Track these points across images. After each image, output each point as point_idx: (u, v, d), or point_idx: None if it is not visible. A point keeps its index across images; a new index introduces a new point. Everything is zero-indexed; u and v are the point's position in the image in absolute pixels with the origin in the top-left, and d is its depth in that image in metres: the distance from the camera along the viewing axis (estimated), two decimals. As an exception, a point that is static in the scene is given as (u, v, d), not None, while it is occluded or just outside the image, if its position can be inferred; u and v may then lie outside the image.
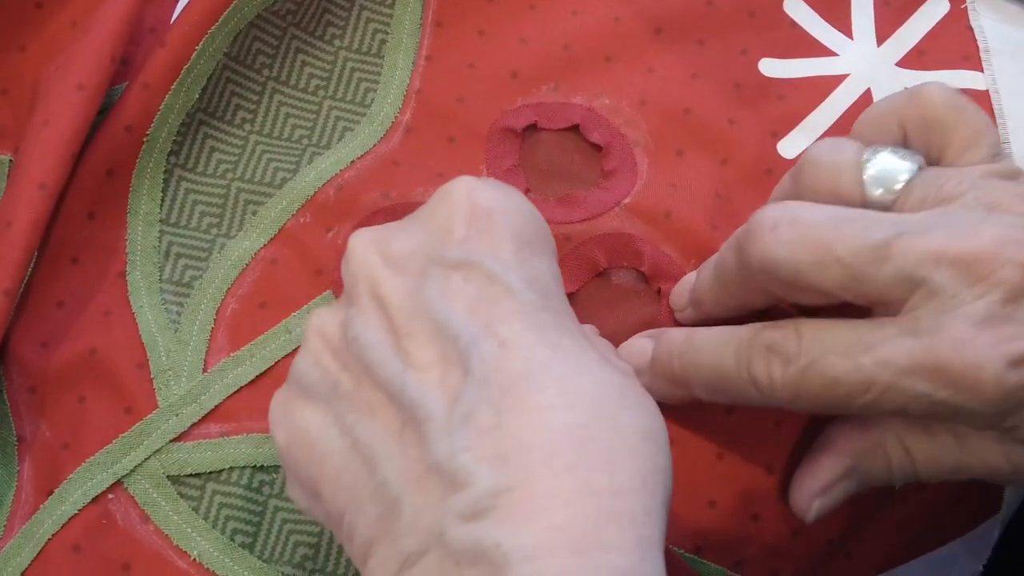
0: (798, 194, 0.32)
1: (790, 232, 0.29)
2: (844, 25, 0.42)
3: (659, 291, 0.36)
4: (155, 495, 0.34)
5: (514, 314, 0.27)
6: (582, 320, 0.36)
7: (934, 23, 0.42)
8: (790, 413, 0.35)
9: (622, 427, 0.26)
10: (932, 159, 0.32)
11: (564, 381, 0.26)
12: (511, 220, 0.28)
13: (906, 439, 0.31)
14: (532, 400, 0.25)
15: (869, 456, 0.32)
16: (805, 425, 0.35)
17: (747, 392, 0.30)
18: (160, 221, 0.37)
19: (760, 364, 0.30)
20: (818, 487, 0.32)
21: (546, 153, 0.39)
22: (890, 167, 0.31)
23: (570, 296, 0.37)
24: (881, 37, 0.42)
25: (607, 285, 0.37)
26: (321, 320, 0.29)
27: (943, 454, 0.31)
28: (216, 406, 0.35)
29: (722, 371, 0.31)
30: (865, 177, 0.31)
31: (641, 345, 0.34)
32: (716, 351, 0.31)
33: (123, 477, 0.34)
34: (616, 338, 0.35)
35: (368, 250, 0.29)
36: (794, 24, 0.42)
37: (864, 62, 0.41)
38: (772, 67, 0.41)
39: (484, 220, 0.28)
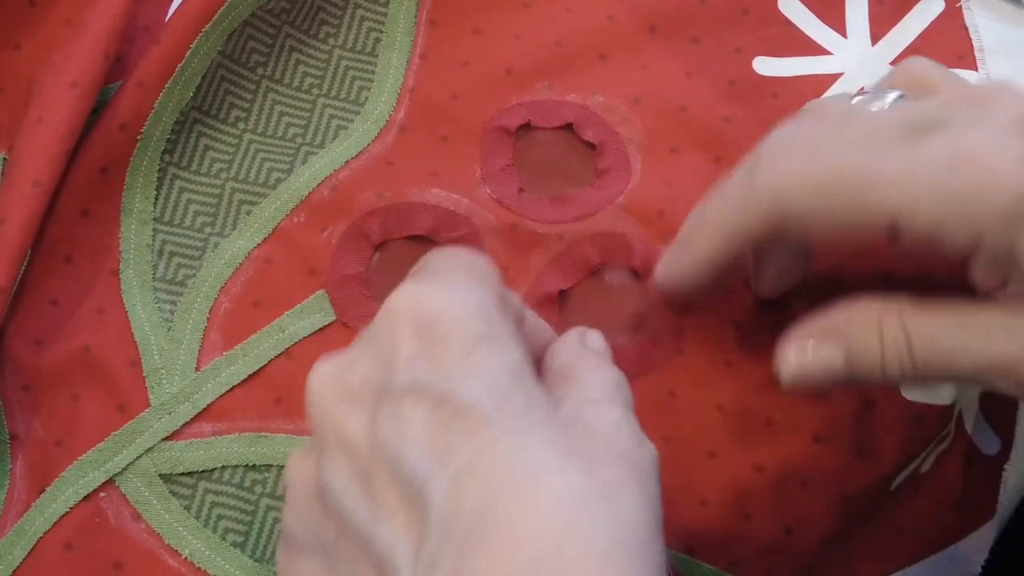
0: None
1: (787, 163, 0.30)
2: (838, 24, 0.42)
3: (650, 288, 0.36)
4: (147, 493, 0.34)
5: (467, 436, 0.25)
6: (575, 320, 0.36)
7: (928, 22, 0.42)
8: (782, 411, 0.35)
9: (590, 548, 0.24)
10: None
11: (523, 510, 0.24)
12: (460, 323, 0.26)
13: (905, 314, 0.29)
14: (491, 539, 0.23)
15: (863, 324, 0.30)
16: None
17: (743, 204, 0.30)
18: (154, 219, 0.37)
19: (766, 161, 0.30)
20: (802, 335, 0.31)
21: (540, 152, 0.39)
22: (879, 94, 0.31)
23: (563, 295, 0.37)
24: (875, 36, 0.42)
25: (600, 284, 0.37)
26: (297, 468, 0.28)
27: (942, 335, 0.29)
28: (208, 405, 0.35)
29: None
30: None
31: None
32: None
33: (115, 475, 0.34)
34: (608, 335, 0.35)
35: (325, 388, 0.28)
36: (788, 22, 0.42)
37: (858, 61, 0.41)
38: (766, 65, 0.41)
39: (430, 332, 0.26)
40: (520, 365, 0.26)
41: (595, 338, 0.31)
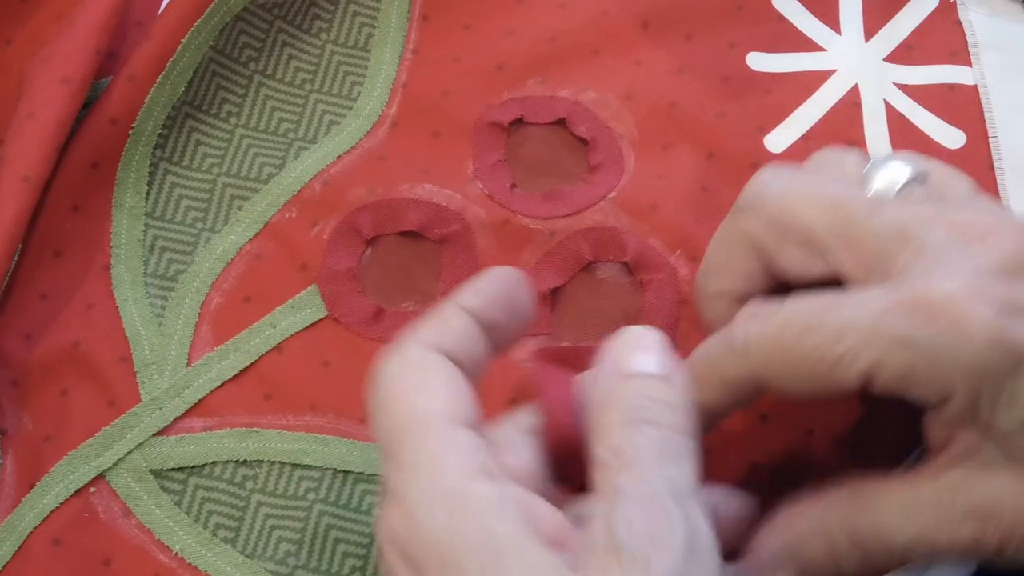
0: None
1: (785, 177, 0.29)
2: (832, 20, 0.42)
3: (642, 282, 0.36)
4: (137, 489, 0.34)
5: None
6: (568, 317, 0.36)
7: (923, 18, 0.42)
8: (775, 408, 0.35)
9: None
10: None
11: None
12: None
13: (849, 521, 0.29)
14: None
15: (812, 545, 0.29)
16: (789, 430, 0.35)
17: (725, 358, 0.29)
18: (145, 214, 0.37)
19: (740, 324, 0.29)
20: (755, 566, 0.30)
21: (532, 148, 0.39)
22: (893, 168, 0.31)
23: (556, 291, 0.36)
24: (869, 32, 0.41)
25: (592, 278, 0.37)
26: None
27: (892, 532, 0.28)
28: (199, 400, 0.35)
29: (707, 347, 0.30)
30: (865, 171, 0.31)
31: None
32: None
33: (105, 471, 0.34)
34: (600, 331, 0.35)
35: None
36: (782, 18, 0.41)
37: (852, 57, 0.41)
38: (760, 61, 0.41)
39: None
40: None
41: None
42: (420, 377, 0.27)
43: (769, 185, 0.30)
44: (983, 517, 0.27)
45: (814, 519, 0.29)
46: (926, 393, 0.27)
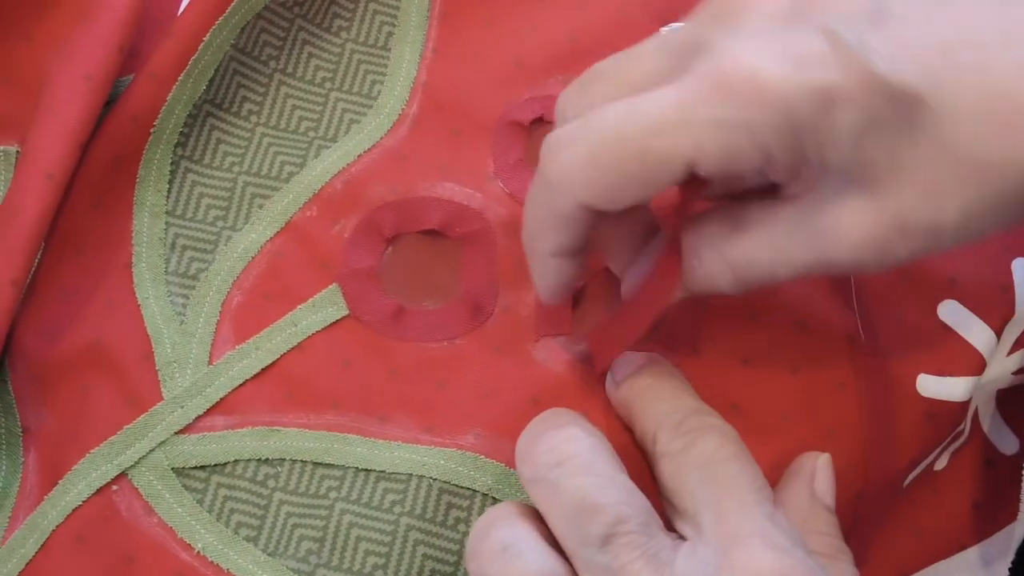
0: None
1: (565, 145, 0.30)
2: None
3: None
4: (159, 487, 0.34)
5: None
6: (588, 318, 0.36)
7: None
8: (795, 407, 0.34)
9: None
10: None
11: None
12: None
13: (720, 246, 0.30)
14: None
15: (689, 258, 0.31)
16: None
17: (542, 196, 0.30)
18: (166, 213, 0.37)
19: (546, 157, 0.30)
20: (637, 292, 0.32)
21: (553, 146, 0.39)
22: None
23: (576, 292, 0.36)
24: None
25: (612, 279, 0.37)
26: None
27: (757, 256, 0.30)
28: (221, 398, 0.35)
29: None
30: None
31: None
32: None
33: (127, 469, 0.34)
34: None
35: None
36: None
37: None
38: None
39: None
40: None
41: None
42: None
43: (560, 163, 0.30)
44: (840, 238, 0.29)
45: (690, 243, 0.31)
46: (751, 164, 0.28)
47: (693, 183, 0.29)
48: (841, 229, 0.29)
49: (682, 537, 0.29)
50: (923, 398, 0.35)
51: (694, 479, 0.29)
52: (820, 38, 0.27)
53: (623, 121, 0.28)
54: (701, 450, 0.30)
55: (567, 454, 0.29)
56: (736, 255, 0.31)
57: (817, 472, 0.33)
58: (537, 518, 0.30)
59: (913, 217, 0.28)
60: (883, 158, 0.28)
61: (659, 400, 0.32)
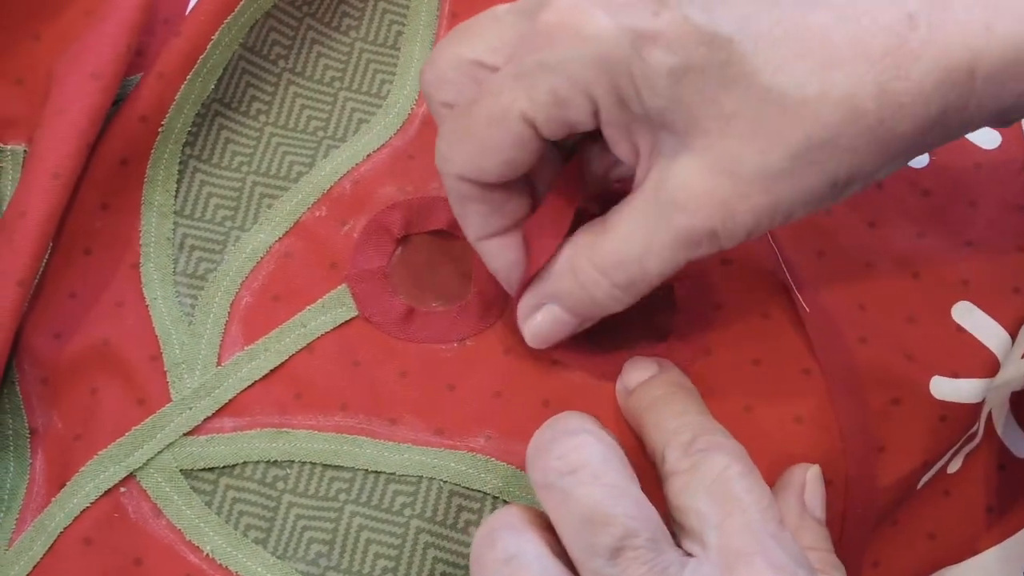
0: None
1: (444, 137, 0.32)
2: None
3: (672, 288, 0.36)
4: (168, 489, 0.34)
5: None
6: (600, 321, 0.36)
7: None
8: (809, 408, 0.34)
9: None
10: None
11: None
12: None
13: (588, 252, 0.31)
14: None
15: (560, 277, 0.32)
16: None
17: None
18: (174, 212, 0.37)
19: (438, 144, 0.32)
20: (525, 310, 0.33)
21: (563, 146, 0.39)
22: None
23: None
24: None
25: None
26: None
27: (624, 255, 0.31)
28: (230, 400, 0.35)
29: None
30: None
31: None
32: None
33: (136, 470, 0.34)
34: (629, 337, 0.35)
35: None
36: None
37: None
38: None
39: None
40: None
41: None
42: None
43: (438, 146, 0.32)
44: (686, 203, 0.29)
45: (562, 259, 0.32)
46: (581, 112, 0.29)
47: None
48: (683, 193, 0.29)
49: (688, 554, 0.29)
50: (937, 400, 0.35)
51: (701, 498, 0.29)
52: None
53: (477, 92, 0.30)
54: (709, 469, 0.30)
55: (578, 462, 0.29)
56: (604, 257, 0.31)
57: (807, 485, 0.33)
58: (545, 526, 0.29)
59: (742, 166, 0.28)
60: (703, 104, 0.28)
61: (668, 416, 0.32)
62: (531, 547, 0.29)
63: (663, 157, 0.30)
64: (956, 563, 0.37)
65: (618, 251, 0.31)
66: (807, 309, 0.35)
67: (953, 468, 0.37)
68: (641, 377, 0.33)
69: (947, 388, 0.35)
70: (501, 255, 0.33)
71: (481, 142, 0.30)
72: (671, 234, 0.30)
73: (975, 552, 0.37)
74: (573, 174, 0.33)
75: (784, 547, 0.28)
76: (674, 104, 0.28)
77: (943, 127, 0.29)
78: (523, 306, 0.33)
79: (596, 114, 0.29)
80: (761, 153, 0.28)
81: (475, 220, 0.33)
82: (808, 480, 0.33)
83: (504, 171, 0.31)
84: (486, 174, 0.31)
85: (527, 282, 0.33)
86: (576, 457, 0.29)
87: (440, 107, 0.32)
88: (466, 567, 0.33)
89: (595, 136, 0.31)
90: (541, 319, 0.33)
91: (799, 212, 0.30)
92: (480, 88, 0.30)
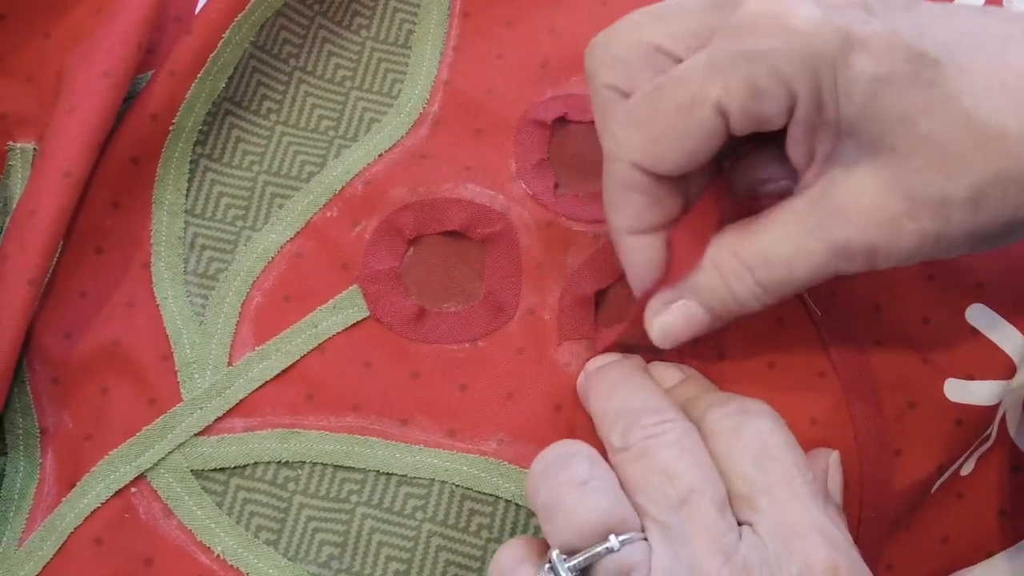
0: None
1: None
2: None
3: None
4: (178, 489, 0.34)
5: None
6: (612, 320, 0.35)
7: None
8: (823, 411, 0.34)
9: None
10: None
11: None
12: None
13: (734, 246, 0.31)
14: None
15: (703, 271, 0.31)
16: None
17: (611, 167, 0.32)
18: (185, 212, 0.37)
19: (605, 132, 0.32)
20: (661, 299, 0.32)
21: (577, 146, 0.38)
22: None
23: (600, 294, 0.36)
24: None
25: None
26: None
27: (772, 252, 0.30)
28: (241, 400, 0.35)
29: None
30: None
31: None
32: None
33: (146, 470, 0.34)
34: (643, 339, 0.34)
35: None
36: None
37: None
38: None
39: None
40: None
41: None
42: None
43: (611, 130, 0.31)
44: (851, 214, 0.29)
45: (709, 252, 0.31)
46: (776, 106, 0.28)
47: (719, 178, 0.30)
48: (851, 205, 0.29)
49: (740, 522, 0.29)
50: (952, 403, 0.35)
51: (748, 462, 0.29)
52: None
53: (664, 79, 0.29)
54: (752, 433, 0.30)
55: (660, 431, 0.30)
56: (752, 254, 0.30)
57: (829, 470, 0.33)
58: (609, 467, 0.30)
59: (922, 188, 0.28)
60: (897, 120, 0.28)
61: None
62: (606, 476, 0.29)
63: (839, 166, 0.29)
64: (969, 566, 0.37)
65: (768, 249, 0.30)
66: (819, 313, 0.35)
67: (966, 471, 0.37)
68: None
69: (962, 391, 0.35)
70: (643, 252, 0.32)
71: (666, 129, 0.30)
72: (828, 242, 0.29)
73: (988, 555, 0.37)
74: (723, 187, 0.33)
75: (834, 522, 0.29)
76: (868, 114, 0.28)
77: None
78: (655, 302, 0.32)
79: (790, 111, 0.29)
80: (947, 178, 0.28)
81: (631, 212, 0.32)
82: (830, 465, 0.33)
83: (684, 161, 0.30)
84: (663, 163, 0.30)
85: (662, 284, 0.32)
86: (659, 428, 0.30)
87: (604, 88, 0.32)
88: (479, 570, 0.33)
89: (753, 149, 0.31)
90: (674, 315, 0.32)
91: (964, 247, 0.29)
92: (664, 75, 0.30)
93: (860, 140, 0.28)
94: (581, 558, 0.28)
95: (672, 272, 0.32)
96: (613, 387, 0.32)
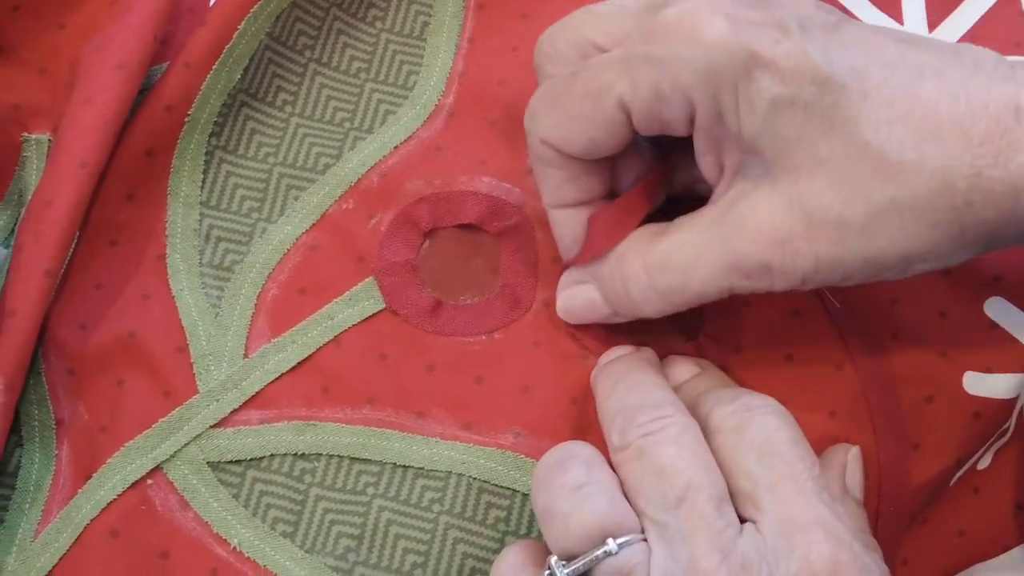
0: None
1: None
2: (895, 11, 0.41)
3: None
4: (195, 481, 0.33)
5: None
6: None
7: (986, 8, 0.41)
8: (841, 404, 0.34)
9: None
10: None
11: None
12: None
13: (642, 247, 0.31)
14: None
15: (608, 262, 0.32)
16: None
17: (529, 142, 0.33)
18: (200, 204, 0.37)
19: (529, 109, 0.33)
20: (566, 281, 0.34)
21: (592, 139, 0.38)
22: None
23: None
24: (932, 23, 0.41)
25: None
26: None
27: (672, 258, 0.30)
28: (257, 392, 0.34)
29: None
30: None
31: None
32: None
33: (163, 462, 0.34)
34: (659, 335, 0.35)
35: None
36: (844, 9, 0.41)
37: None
38: (823, 53, 0.40)
39: None
40: None
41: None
42: None
43: (530, 105, 0.33)
44: (751, 230, 0.29)
45: (621, 245, 0.32)
46: (677, 113, 0.29)
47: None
48: (751, 220, 0.29)
49: (743, 519, 0.29)
50: (971, 396, 0.34)
51: (751, 458, 0.29)
52: (768, 16, 0.28)
53: (582, 66, 0.31)
54: (758, 430, 0.30)
55: (658, 428, 0.30)
56: (652, 256, 0.31)
57: (848, 465, 0.32)
58: (612, 470, 0.30)
59: (820, 210, 0.28)
60: (798, 140, 0.28)
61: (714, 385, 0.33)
62: (602, 478, 0.29)
63: (744, 180, 0.30)
64: (986, 560, 0.37)
65: (667, 255, 0.31)
66: (837, 305, 0.35)
67: (983, 464, 0.37)
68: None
69: (980, 384, 0.35)
70: (567, 225, 0.33)
71: (572, 112, 0.31)
72: (724, 256, 0.30)
73: (1005, 549, 0.37)
74: (656, 180, 0.33)
75: (840, 518, 0.28)
76: (769, 132, 0.28)
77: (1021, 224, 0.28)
78: (566, 277, 0.34)
79: (691, 120, 0.29)
80: (843, 203, 0.28)
81: (551, 184, 0.33)
82: (849, 460, 0.33)
83: (587, 148, 0.31)
84: (568, 144, 0.31)
85: (576, 264, 0.33)
86: (657, 424, 0.30)
87: (547, 80, 0.33)
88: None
89: (688, 148, 0.31)
90: (576, 295, 0.34)
91: (858, 276, 0.29)
92: (584, 63, 0.31)
93: (763, 157, 0.29)
94: (579, 563, 0.28)
95: (587, 250, 0.33)
96: (614, 384, 0.32)
